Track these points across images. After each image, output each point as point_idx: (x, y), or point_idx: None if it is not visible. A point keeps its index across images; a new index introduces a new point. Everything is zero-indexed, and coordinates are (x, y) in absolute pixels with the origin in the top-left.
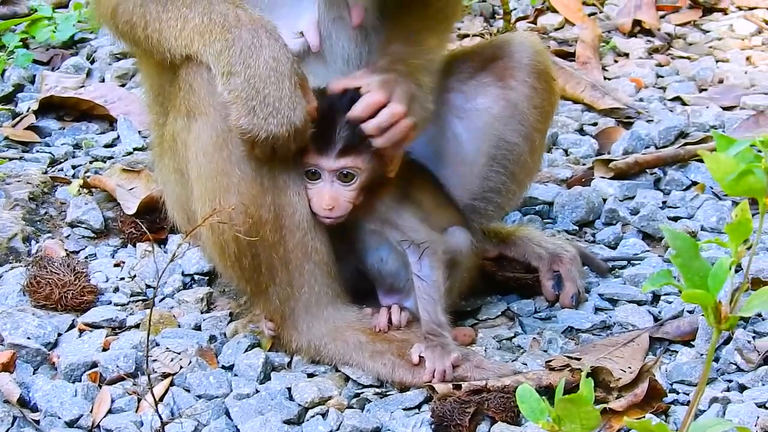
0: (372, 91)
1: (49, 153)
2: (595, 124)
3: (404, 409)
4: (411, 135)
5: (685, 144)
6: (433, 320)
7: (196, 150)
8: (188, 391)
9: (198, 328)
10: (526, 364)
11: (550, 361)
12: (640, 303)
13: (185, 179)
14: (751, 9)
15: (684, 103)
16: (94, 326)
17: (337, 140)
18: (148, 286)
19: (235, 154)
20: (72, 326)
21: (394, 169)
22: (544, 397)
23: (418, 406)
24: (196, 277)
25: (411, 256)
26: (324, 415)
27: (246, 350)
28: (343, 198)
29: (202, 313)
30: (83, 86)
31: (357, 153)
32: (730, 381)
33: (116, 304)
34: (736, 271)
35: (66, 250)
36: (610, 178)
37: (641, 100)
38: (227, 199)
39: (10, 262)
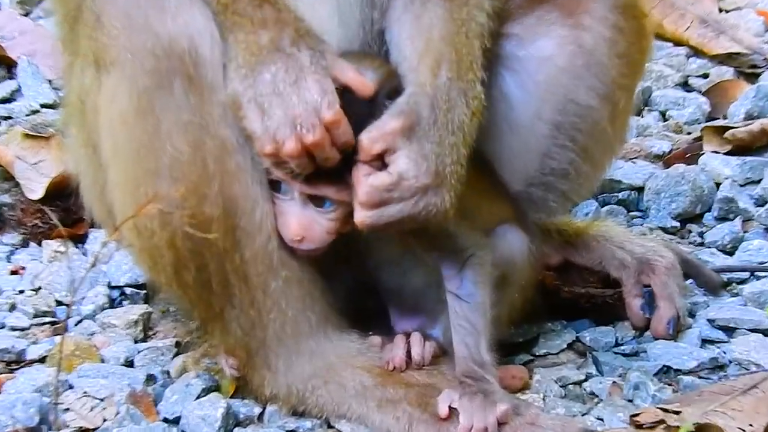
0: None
1: None
2: (705, 76)
3: None
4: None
5: None
6: (473, 357)
7: (111, 117)
8: None
9: (130, 363)
10: (602, 420)
11: (636, 415)
12: (767, 333)
13: (98, 158)
14: None
15: None
16: None
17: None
18: (60, 303)
19: (165, 122)
20: None
21: None
22: None
23: None
24: (128, 290)
25: (447, 268)
26: None
27: (199, 396)
28: (318, 227)
29: (136, 342)
30: None
31: (343, 184)
32: None
33: (13, 329)
34: None
35: None
36: (726, 154)
37: None
38: (156, 187)
39: None
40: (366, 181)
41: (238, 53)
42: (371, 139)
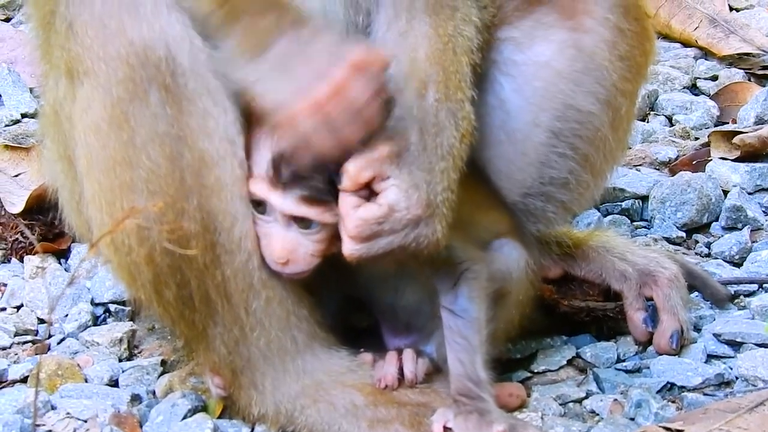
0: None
1: None
2: (714, 78)
3: None
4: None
5: None
6: (468, 375)
7: (84, 128)
8: None
9: (114, 383)
10: None
11: None
12: None
13: (74, 170)
14: None
15: None
16: None
17: (300, 181)
18: (42, 321)
19: (140, 133)
20: None
21: None
22: None
23: None
24: (112, 307)
25: (441, 282)
26: None
27: (185, 417)
28: (303, 249)
29: (120, 360)
30: None
31: (326, 205)
32: None
33: None
34: None
35: None
36: (735, 160)
37: None
38: (132, 201)
39: None
40: (355, 214)
41: (241, 39)
42: (358, 167)
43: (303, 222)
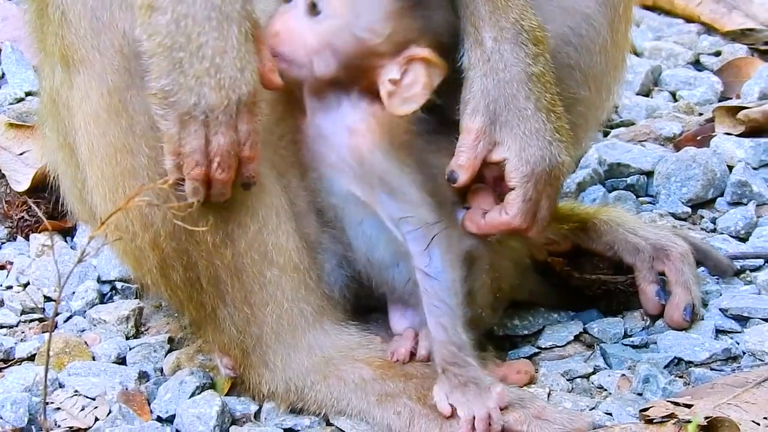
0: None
1: None
2: (717, 54)
3: None
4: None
5: None
6: (452, 340)
7: (84, 117)
8: None
9: (122, 361)
10: (610, 414)
11: (646, 409)
12: None
13: (76, 158)
14: None
15: None
16: None
17: None
18: (48, 299)
19: (139, 120)
20: None
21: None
22: None
23: None
24: (119, 285)
25: (414, 243)
26: None
27: (193, 394)
28: (302, 33)
29: (127, 338)
30: None
31: None
32: None
33: (1, 326)
34: None
35: None
36: (739, 135)
37: None
38: (134, 187)
39: None
40: (512, 214)
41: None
42: (467, 157)
43: (314, 9)
